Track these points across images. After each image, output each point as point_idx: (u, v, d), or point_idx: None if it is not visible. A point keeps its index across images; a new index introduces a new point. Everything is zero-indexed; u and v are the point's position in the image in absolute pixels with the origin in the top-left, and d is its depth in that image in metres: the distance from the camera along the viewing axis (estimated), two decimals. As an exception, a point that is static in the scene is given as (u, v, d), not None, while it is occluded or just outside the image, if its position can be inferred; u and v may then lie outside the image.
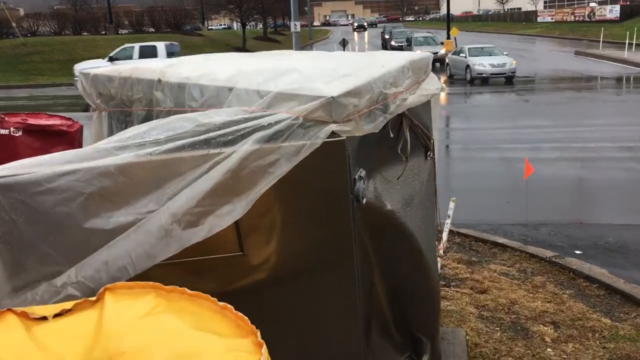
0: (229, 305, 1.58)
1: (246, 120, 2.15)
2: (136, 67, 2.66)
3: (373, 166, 2.58)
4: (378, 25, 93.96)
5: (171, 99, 2.47)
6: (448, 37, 37.80)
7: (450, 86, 23.55)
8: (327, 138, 2.15)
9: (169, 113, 2.49)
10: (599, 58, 32.01)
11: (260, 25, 61.58)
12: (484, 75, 23.79)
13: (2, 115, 6.66)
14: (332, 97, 2.13)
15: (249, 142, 2.09)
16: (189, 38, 46.25)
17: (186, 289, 1.65)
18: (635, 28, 35.24)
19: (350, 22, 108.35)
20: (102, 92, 2.69)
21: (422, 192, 2.88)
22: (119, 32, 49.73)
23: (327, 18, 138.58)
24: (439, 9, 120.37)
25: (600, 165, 10.01)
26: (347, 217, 2.32)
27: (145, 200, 2.08)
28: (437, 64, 30.86)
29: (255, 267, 2.39)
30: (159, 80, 2.50)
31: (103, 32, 48.25)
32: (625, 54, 30.36)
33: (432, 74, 2.88)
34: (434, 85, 2.77)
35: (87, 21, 51.77)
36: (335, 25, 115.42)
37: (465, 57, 24.78)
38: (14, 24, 42.95)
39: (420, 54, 2.85)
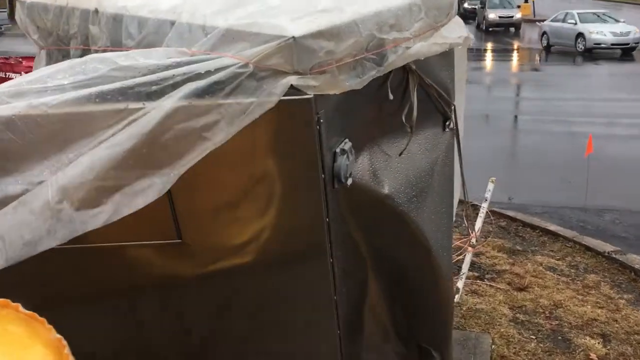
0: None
1: (178, 65, 1.58)
2: (73, -7, 2.13)
3: (367, 136, 1.98)
4: None
5: (107, 35, 1.93)
6: (526, 1, 35.55)
7: (548, 61, 20.92)
8: (290, 95, 1.57)
9: (105, 53, 1.95)
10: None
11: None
12: (602, 45, 20.29)
13: (20, 59, 6.41)
14: (294, 37, 1.53)
15: (176, 96, 1.53)
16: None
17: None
18: None
19: None
20: (39, 26, 2.18)
21: (435, 173, 2.25)
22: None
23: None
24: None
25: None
26: (317, 200, 1.75)
27: (41, 166, 1.58)
28: (512, 29, 28.97)
29: (198, 259, 1.87)
30: (96, 11, 1.96)
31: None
32: None
33: (457, 19, 2.21)
34: (458, 32, 2.10)
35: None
36: None
37: (575, 23, 21.39)
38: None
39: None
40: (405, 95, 2.01)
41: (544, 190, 6.90)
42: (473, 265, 4.15)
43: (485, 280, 4.09)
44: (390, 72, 1.87)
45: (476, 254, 4.27)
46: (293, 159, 1.71)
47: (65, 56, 2.12)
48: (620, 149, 8.64)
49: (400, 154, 2.08)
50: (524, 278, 4.10)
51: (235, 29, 1.62)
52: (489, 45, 25.12)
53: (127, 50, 1.84)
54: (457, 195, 2.80)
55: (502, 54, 23.28)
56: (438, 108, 2.22)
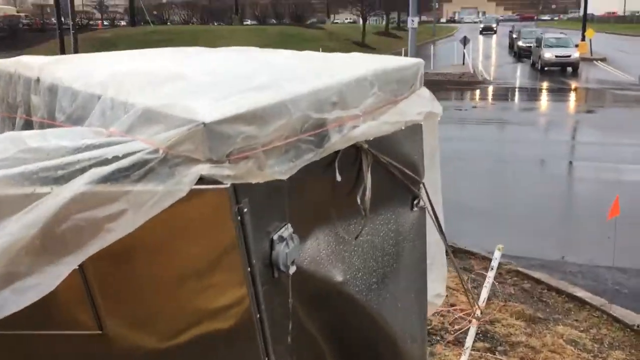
0: None
1: (87, 148, 1.48)
2: (19, 60, 2.07)
3: (317, 219, 1.81)
4: (501, 24, 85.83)
5: (45, 106, 1.86)
6: (583, 39, 34.75)
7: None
8: (206, 184, 1.44)
9: (42, 125, 1.88)
10: None
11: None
12: None
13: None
14: (204, 123, 1.40)
15: (79, 183, 1.42)
16: (309, 31, 46.56)
17: None
18: None
19: (478, 19, 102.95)
20: (-6, 91, 2.14)
21: (401, 257, 2.04)
22: (244, 23, 51.13)
23: (455, 15, 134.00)
24: (579, 8, 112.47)
25: None
26: (243, 295, 1.59)
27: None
28: (569, 69, 28.10)
29: (119, 350, 1.72)
30: (37, 80, 1.89)
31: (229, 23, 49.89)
32: None
33: (424, 91, 2.02)
34: (420, 107, 1.92)
35: (216, 11, 53.81)
36: (460, 22, 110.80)
37: None
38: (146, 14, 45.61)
39: (404, 60, 2.01)
40: (359, 175, 1.84)
41: (584, 245, 6.48)
42: (486, 335, 3.85)
43: (497, 353, 3.77)
44: (338, 151, 1.71)
45: (491, 322, 3.97)
46: (213, 251, 1.56)
47: (13, 125, 2.06)
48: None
49: (357, 238, 1.89)
50: (539, 353, 3.75)
51: (153, 110, 1.51)
52: (544, 85, 24.53)
53: (58, 125, 1.76)
54: (442, 275, 2.56)
55: (558, 94, 22.64)
56: (403, 186, 2.03)
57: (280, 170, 1.54)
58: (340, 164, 1.74)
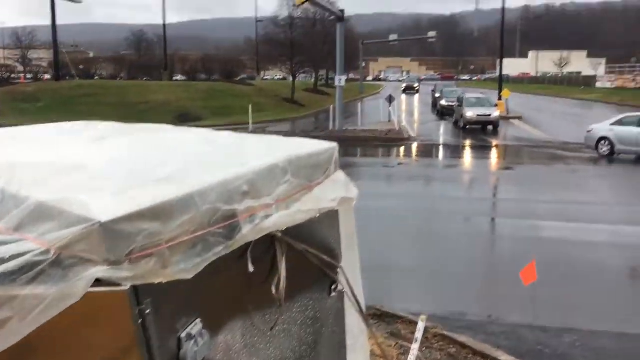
0: None
1: (-32, 248, 1.34)
2: None
3: (231, 311, 1.72)
4: (423, 83, 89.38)
5: None
6: (500, 99, 36.79)
7: (611, 165, 18.76)
8: (102, 286, 1.33)
9: None
10: (659, 128, 30.13)
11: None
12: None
13: None
14: (100, 222, 1.30)
15: (-43, 288, 1.28)
16: (239, 87, 46.96)
17: None
18: (701, 99, 33.28)
19: (402, 78, 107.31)
20: None
21: (319, 345, 1.98)
22: (173, 78, 50.99)
23: (381, 73, 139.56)
24: (496, 69, 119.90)
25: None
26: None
27: None
28: (490, 127, 29.46)
29: None
30: None
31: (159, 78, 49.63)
32: (689, 126, 28.42)
33: (339, 175, 2.01)
34: (336, 192, 1.90)
35: (144, 67, 53.46)
36: (386, 80, 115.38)
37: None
38: (72, 68, 44.66)
39: (318, 144, 2.00)
40: (274, 264, 1.77)
41: (507, 304, 6.61)
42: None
43: None
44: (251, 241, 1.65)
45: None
46: (114, 357, 1.44)
47: None
48: (591, 257, 8.45)
49: (272, 328, 1.81)
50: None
51: (47, 205, 1.40)
52: (467, 143, 25.62)
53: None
54: (365, 357, 2.50)
55: (480, 151, 23.67)
56: (321, 272, 1.98)
57: (186, 267, 1.46)
58: (253, 254, 1.67)
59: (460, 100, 31.87)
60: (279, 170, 1.68)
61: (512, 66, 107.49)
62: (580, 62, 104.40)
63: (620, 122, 20.05)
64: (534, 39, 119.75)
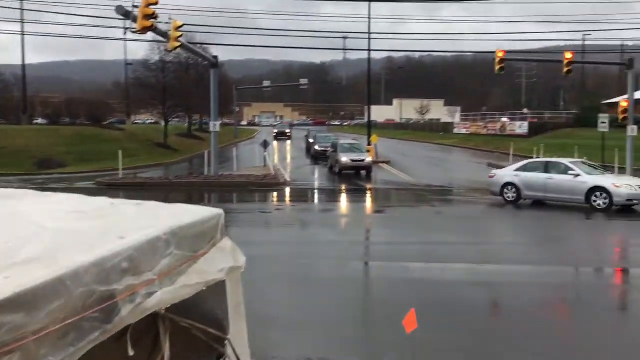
0: None
1: None
2: None
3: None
4: (296, 128, 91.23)
5: None
6: (369, 144, 38.49)
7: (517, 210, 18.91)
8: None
9: None
10: (510, 171, 33.08)
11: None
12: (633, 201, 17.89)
13: None
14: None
15: None
16: (108, 132, 44.99)
17: None
18: (542, 144, 37.18)
19: (275, 123, 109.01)
20: None
21: None
22: (34, 122, 47.76)
23: (255, 118, 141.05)
24: (364, 116, 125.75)
25: (516, 292, 9.37)
26: None
27: None
28: (364, 172, 29.89)
29: None
30: None
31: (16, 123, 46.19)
32: (534, 169, 31.50)
33: (226, 243, 1.94)
34: (223, 262, 1.83)
35: (1, 109, 49.59)
36: (260, 125, 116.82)
37: (578, 175, 18.32)
38: None
39: (203, 211, 1.92)
40: (157, 343, 1.64)
41: (385, 349, 6.74)
42: None
43: None
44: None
45: None
46: None
47: None
48: (458, 297, 8.88)
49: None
50: None
51: None
52: (341, 187, 26.37)
53: None
54: None
55: (353, 195, 24.41)
56: (207, 346, 1.87)
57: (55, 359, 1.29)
58: (133, 335, 1.53)
59: (334, 146, 32.59)
60: (162, 243, 1.58)
61: (379, 113, 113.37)
62: (438, 110, 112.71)
63: (525, 168, 20.05)
64: (397, 88, 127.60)
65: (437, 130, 77.93)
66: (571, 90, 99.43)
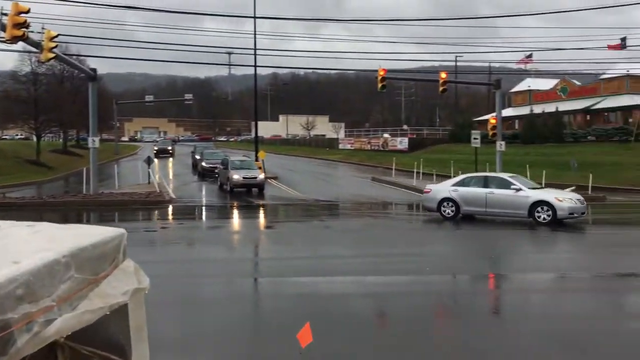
0: None
1: None
2: None
3: None
4: (181, 143, 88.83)
5: None
6: (257, 160, 38.50)
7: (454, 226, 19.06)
8: None
9: None
10: (392, 185, 34.56)
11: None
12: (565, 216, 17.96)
13: None
14: None
15: None
16: (-31, 148, 41.29)
17: None
18: (421, 159, 39.17)
19: (159, 139, 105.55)
20: None
21: None
22: None
23: (137, 134, 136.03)
24: (250, 131, 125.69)
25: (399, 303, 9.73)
26: None
27: None
28: (256, 190, 29.29)
29: None
30: None
31: None
32: (414, 182, 33.16)
33: (128, 264, 1.87)
34: (129, 283, 1.76)
35: None
36: (143, 141, 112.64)
37: (519, 190, 18.49)
38: None
39: (104, 231, 1.84)
40: (54, 373, 1.53)
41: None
42: None
43: None
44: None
45: None
46: None
47: None
48: (347, 309, 9.07)
49: None
50: None
51: None
52: (230, 204, 26.10)
53: None
54: None
55: (242, 212, 24.23)
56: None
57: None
58: (28, 367, 1.42)
59: (225, 163, 31.52)
60: (61, 266, 1.48)
61: (265, 128, 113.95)
62: (324, 126, 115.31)
63: (462, 183, 19.64)
64: (283, 104, 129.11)
65: (322, 146, 79.64)
66: (446, 108, 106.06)
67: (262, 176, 30.00)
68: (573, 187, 29.17)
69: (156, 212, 22.88)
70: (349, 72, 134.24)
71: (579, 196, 18.80)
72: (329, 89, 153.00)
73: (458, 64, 63.10)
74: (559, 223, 17.92)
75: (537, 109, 57.70)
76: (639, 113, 51.47)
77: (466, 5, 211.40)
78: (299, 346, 5.33)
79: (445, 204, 19.54)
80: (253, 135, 51.71)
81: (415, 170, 34.94)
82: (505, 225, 18.64)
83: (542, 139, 47.15)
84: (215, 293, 10.25)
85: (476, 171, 29.25)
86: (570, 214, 17.92)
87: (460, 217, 19.44)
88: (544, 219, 17.84)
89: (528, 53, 56.98)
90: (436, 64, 75.84)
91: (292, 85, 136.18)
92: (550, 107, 56.25)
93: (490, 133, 31.35)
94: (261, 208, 25.19)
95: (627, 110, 53.77)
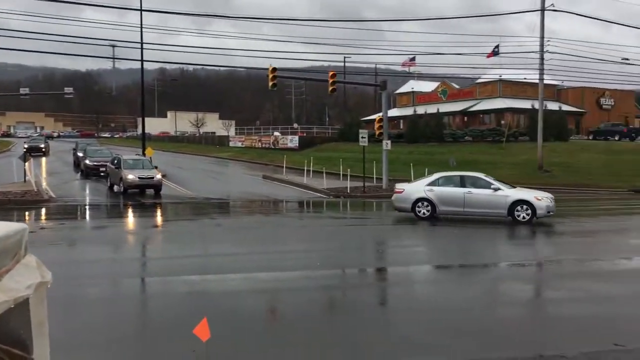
0: None
1: None
2: None
3: None
4: (61, 140, 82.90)
5: None
6: (150, 160, 37.23)
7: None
8: None
9: None
10: (283, 182, 34.91)
11: None
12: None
13: None
14: None
15: None
16: None
17: None
18: (311, 157, 39.88)
19: (35, 134, 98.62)
20: None
21: None
22: None
23: (10, 129, 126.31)
24: (137, 128, 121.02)
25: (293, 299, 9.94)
26: None
27: None
28: (152, 190, 27.39)
29: None
30: None
31: None
32: (305, 180, 33.73)
33: (30, 259, 1.86)
34: (32, 277, 1.76)
35: None
36: (16, 136, 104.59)
37: (498, 189, 18.74)
38: None
39: (5, 226, 1.81)
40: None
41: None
42: None
43: None
44: None
45: None
46: None
47: None
48: (235, 305, 9.13)
49: None
50: None
51: None
52: (116, 203, 25.11)
53: None
54: None
55: (132, 211, 23.40)
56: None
57: None
58: None
59: (116, 162, 29.22)
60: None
61: (153, 125, 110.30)
62: (214, 123, 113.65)
63: (438, 183, 19.32)
64: (171, 100, 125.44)
65: (213, 144, 78.53)
66: (335, 107, 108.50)
67: (159, 176, 28.11)
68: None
69: (34, 211, 21.53)
70: (239, 69, 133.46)
71: (551, 195, 19.29)
72: (219, 86, 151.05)
73: (346, 65, 64.82)
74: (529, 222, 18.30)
75: (420, 110, 60.79)
76: (510, 116, 55.85)
77: (352, 8, 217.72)
78: (196, 344, 5.34)
79: (420, 204, 19.11)
80: (140, 131, 49.85)
81: (305, 168, 35.52)
82: (398, 219, 19.49)
83: (425, 139, 49.67)
84: (100, 294, 9.90)
85: (364, 169, 30.30)
86: (548, 212, 18.37)
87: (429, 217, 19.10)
88: (523, 217, 18.18)
89: (411, 56, 59.72)
90: (325, 64, 77.39)
91: (181, 81, 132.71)
92: (432, 109, 59.47)
93: (377, 132, 32.61)
94: (149, 207, 24.47)
95: (500, 112, 58.13)
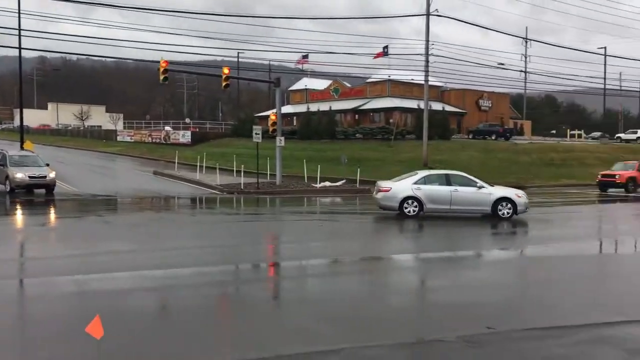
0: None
1: None
2: None
3: None
4: None
5: None
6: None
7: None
8: None
9: None
10: (175, 178, 34.17)
11: None
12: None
13: None
14: None
15: None
16: None
17: None
18: (205, 152, 39.34)
19: None
20: None
21: None
22: None
23: None
24: (13, 120, 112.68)
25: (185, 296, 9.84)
26: None
27: None
28: (44, 190, 25.33)
29: None
30: None
31: None
32: (197, 176, 33.22)
33: None
34: None
35: None
36: None
37: (482, 187, 19.51)
38: None
39: None
40: None
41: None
42: None
43: None
44: None
45: None
46: None
47: None
48: (123, 304, 8.92)
49: None
50: None
51: None
52: (6, 204, 23.32)
53: None
54: None
55: (10, 208, 21.84)
56: None
57: None
58: None
59: (1, 159, 26.34)
60: None
61: (32, 117, 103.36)
62: (100, 116, 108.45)
63: (424, 181, 19.60)
64: (53, 91, 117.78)
65: (99, 138, 75.01)
66: (229, 102, 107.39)
67: (52, 175, 25.67)
68: (343, 180, 31.97)
69: None
70: (127, 61, 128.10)
71: (524, 192, 20.63)
72: (106, 78, 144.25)
73: (240, 60, 64.45)
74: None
75: (314, 107, 61.72)
76: (399, 115, 58.27)
77: (245, 3, 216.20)
78: (94, 340, 5.20)
79: (408, 202, 19.36)
80: (17, 123, 46.50)
81: (198, 164, 34.99)
82: (294, 213, 19.70)
83: (317, 136, 50.56)
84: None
85: (257, 165, 30.37)
86: (525, 208, 19.56)
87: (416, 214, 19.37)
88: (505, 213, 19.21)
89: (304, 54, 60.51)
90: (219, 58, 76.42)
91: (64, 71, 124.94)
92: (324, 106, 60.60)
93: (271, 129, 32.79)
94: (29, 205, 23.00)
95: (389, 111, 60.47)
